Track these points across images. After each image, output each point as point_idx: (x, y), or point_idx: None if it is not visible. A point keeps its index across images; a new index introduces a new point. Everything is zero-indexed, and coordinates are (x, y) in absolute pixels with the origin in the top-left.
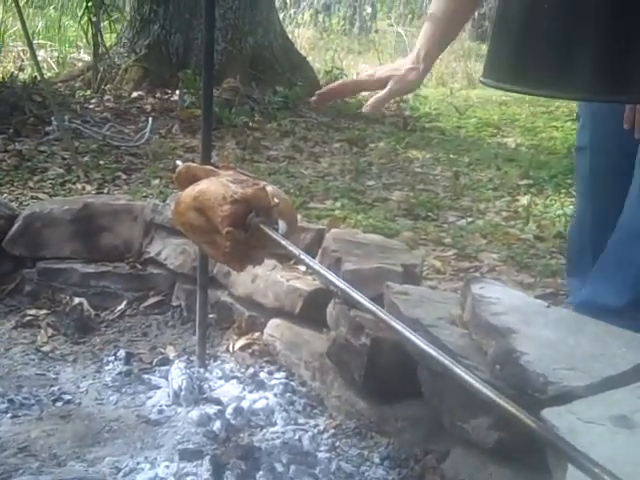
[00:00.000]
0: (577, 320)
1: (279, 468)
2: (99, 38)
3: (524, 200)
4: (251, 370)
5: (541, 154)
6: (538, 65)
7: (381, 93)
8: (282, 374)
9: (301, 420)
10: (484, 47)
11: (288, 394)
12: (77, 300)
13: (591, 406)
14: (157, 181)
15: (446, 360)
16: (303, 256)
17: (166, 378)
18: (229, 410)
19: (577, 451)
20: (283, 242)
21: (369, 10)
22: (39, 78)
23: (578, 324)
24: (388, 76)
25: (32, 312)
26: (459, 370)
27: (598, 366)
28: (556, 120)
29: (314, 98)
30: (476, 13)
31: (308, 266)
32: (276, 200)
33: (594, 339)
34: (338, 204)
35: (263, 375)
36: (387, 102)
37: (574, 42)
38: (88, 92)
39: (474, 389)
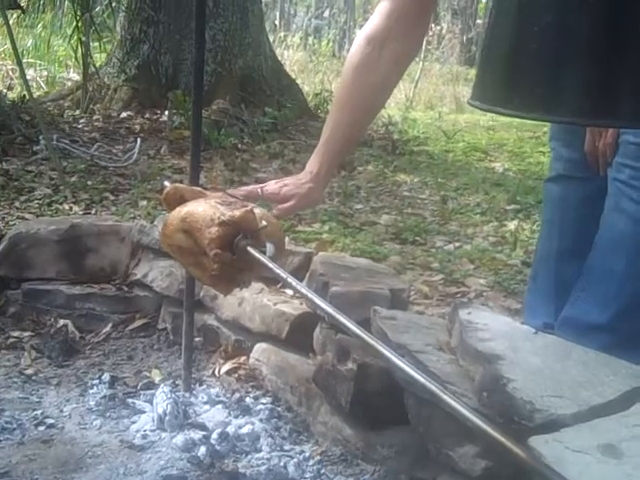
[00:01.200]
0: (564, 346)
1: None
2: (89, 58)
3: (511, 225)
4: (237, 395)
5: (528, 179)
6: (527, 88)
7: (286, 205)
8: (268, 399)
9: (287, 446)
10: (472, 71)
11: (274, 419)
12: (62, 322)
13: (579, 434)
14: (145, 202)
15: (434, 387)
16: (290, 279)
17: (151, 402)
18: (214, 435)
19: None
20: (270, 265)
21: (358, 32)
22: (28, 97)
23: (565, 350)
24: (292, 195)
25: (16, 334)
26: (447, 397)
27: (585, 394)
28: (543, 145)
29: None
30: (464, 37)
31: (295, 289)
32: (264, 222)
33: (581, 366)
34: (326, 227)
35: (249, 400)
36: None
37: (563, 65)
38: (77, 112)
39: (462, 416)
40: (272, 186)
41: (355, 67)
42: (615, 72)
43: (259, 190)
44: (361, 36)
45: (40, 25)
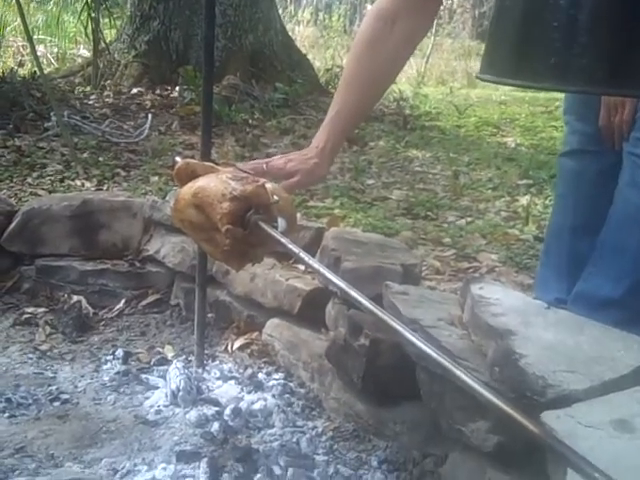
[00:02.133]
0: (577, 321)
1: (277, 470)
2: (99, 34)
3: (524, 200)
4: (249, 371)
5: (541, 154)
6: (539, 57)
7: (291, 181)
8: (280, 375)
9: (299, 422)
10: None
11: (286, 395)
12: (75, 298)
13: (591, 410)
14: (156, 178)
15: (446, 362)
16: (302, 254)
17: (164, 378)
18: (227, 411)
19: (577, 455)
20: (282, 240)
21: (369, 8)
22: (39, 74)
23: (578, 325)
24: (297, 170)
25: (30, 310)
26: (459, 372)
27: (598, 369)
28: (556, 120)
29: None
30: (476, 12)
31: (307, 264)
32: (276, 197)
33: (594, 341)
34: (337, 203)
35: (261, 376)
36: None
37: (577, 33)
38: (88, 88)
39: (474, 391)
40: (277, 161)
41: (366, 42)
42: (632, 39)
43: (264, 165)
44: (373, 11)
45: (51, 1)
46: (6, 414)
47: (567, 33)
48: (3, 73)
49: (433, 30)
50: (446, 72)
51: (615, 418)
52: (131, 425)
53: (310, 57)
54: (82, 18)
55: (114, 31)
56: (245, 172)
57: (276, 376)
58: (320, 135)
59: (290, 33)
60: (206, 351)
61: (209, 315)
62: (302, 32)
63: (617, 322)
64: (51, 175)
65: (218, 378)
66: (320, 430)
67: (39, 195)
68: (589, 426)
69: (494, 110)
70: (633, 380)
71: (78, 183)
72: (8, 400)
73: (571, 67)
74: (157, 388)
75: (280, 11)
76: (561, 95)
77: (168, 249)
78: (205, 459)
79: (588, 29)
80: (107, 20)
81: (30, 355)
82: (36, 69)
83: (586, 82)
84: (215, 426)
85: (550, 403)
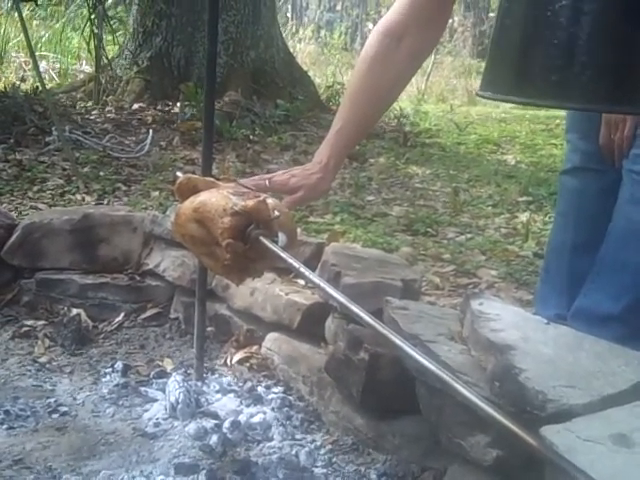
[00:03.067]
0: (576, 337)
1: None
2: (101, 50)
3: (523, 217)
4: (249, 384)
5: (540, 171)
6: (540, 75)
7: (294, 197)
8: (280, 388)
9: (298, 435)
10: (484, 64)
11: (285, 409)
12: (75, 311)
13: (590, 424)
14: (157, 193)
15: (446, 376)
16: (303, 269)
17: (163, 391)
18: (226, 424)
19: (577, 469)
20: (283, 255)
21: (370, 26)
22: (41, 89)
23: (577, 341)
24: (300, 186)
25: (29, 323)
26: (458, 386)
27: (597, 384)
28: (556, 137)
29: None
30: (476, 30)
31: (308, 279)
32: (276, 213)
33: (593, 356)
34: (338, 218)
35: (261, 389)
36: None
37: (577, 51)
38: (89, 103)
39: (473, 405)
40: (280, 177)
41: (371, 59)
42: (632, 57)
43: (267, 181)
44: (380, 27)
45: (54, 18)
46: (4, 426)
47: (567, 51)
48: (5, 88)
49: None
50: (446, 90)
51: (614, 433)
52: (130, 437)
53: (311, 74)
54: (85, 34)
55: (116, 47)
56: (247, 188)
57: (275, 389)
58: (323, 150)
59: (291, 50)
60: (205, 364)
61: (209, 329)
62: (303, 49)
63: (617, 338)
64: (52, 189)
65: (217, 391)
66: (319, 443)
67: (40, 209)
68: (589, 441)
69: (494, 127)
70: (632, 395)
71: (79, 197)
72: (7, 412)
73: (571, 85)
74: (156, 401)
75: (282, 28)
76: (561, 113)
77: (168, 263)
78: (204, 472)
79: (588, 47)
80: (110, 36)
81: (29, 367)
82: (38, 84)
83: (586, 100)
84: (214, 439)
85: (550, 418)
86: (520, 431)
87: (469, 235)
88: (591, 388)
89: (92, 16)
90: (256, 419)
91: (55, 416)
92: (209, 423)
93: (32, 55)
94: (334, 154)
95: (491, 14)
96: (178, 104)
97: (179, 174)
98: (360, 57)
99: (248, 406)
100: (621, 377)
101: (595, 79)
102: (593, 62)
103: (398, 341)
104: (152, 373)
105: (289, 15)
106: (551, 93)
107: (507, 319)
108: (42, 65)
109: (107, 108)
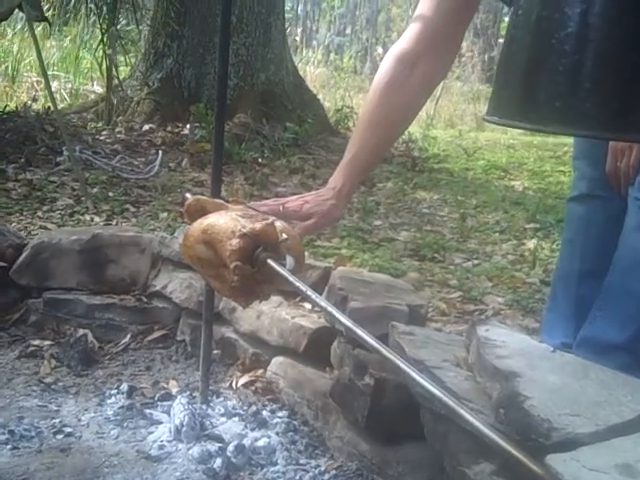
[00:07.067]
0: (582, 365)
1: None
2: (113, 71)
3: (530, 244)
4: (254, 408)
5: (548, 198)
6: (545, 101)
7: (307, 223)
8: (285, 412)
9: (302, 460)
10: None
11: (290, 433)
12: (81, 332)
13: (596, 454)
14: (165, 214)
15: (451, 402)
16: (310, 292)
17: (168, 413)
18: (230, 448)
19: None
20: (290, 278)
21: (380, 50)
22: (52, 109)
23: (583, 369)
24: (314, 212)
25: (36, 342)
26: (464, 412)
27: (603, 413)
28: (564, 165)
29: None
30: (485, 56)
31: (315, 303)
32: (284, 236)
33: (600, 385)
34: (345, 243)
35: (265, 413)
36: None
37: (582, 78)
38: (100, 124)
39: (478, 432)
40: (293, 203)
41: (384, 86)
42: (636, 85)
43: (280, 207)
44: (392, 54)
45: (68, 38)
46: (9, 446)
47: (572, 78)
48: (17, 108)
49: None
50: (455, 115)
51: (620, 462)
52: (134, 460)
53: (320, 97)
54: (97, 55)
55: (128, 68)
56: (258, 212)
57: (280, 414)
58: (337, 176)
59: (301, 73)
60: (211, 387)
61: (215, 351)
62: (313, 72)
63: (622, 367)
64: (61, 209)
65: (222, 414)
66: (323, 469)
67: (49, 229)
68: (594, 470)
69: (502, 154)
70: (638, 425)
71: (88, 218)
72: (11, 432)
73: (576, 111)
74: (161, 423)
75: (292, 52)
76: (569, 140)
77: (175, 285)
78: None
79: (593, 74)
80: (122, 57)
81: (34, 387)
82: (50, 104)
83: (590, 126)
84: (218, 462)
85: (555, 446)
86: (525, 459)
87: (476, 261)
88: (597, 417)
89: (104, 37)
90: (260, 443)
91: (59, 437)
92: (213, 446)
93: (44, 75)
94: (348, 180)
95: (500, 40)
96: (188, 126)
97: (188, 195)
98: (373, 84)
99: (252, 430)
100: (627, 407)
101: (599, 106)
102: (597, 89)
103: (404, 366)
104: (157, 395)
105: (299, 38)
106: (556, 119)
107: (513, 346)
108: (54, 85)
109: (117, 129)
